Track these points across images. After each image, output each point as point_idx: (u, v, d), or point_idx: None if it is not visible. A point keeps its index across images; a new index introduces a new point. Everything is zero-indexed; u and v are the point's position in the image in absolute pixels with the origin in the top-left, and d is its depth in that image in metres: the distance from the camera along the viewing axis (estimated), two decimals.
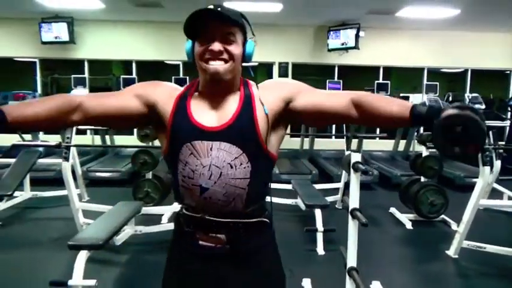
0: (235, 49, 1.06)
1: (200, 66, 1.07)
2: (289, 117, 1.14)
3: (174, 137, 1.07)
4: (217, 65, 1.04)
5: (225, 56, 1.04)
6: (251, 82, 1.16)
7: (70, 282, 2.39)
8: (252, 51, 1.10)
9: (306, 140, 7.40)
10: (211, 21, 1.03)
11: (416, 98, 7.71)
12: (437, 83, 7.05)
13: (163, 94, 1.11)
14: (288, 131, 6.26)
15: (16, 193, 4.19)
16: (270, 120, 1.08)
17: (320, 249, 3.42)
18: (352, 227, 2.41)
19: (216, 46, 1.03)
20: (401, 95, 8.77)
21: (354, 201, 2.41)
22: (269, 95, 1.11)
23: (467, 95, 7.13)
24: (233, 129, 1.05)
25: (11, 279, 2.88)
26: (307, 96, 1.12)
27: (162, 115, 1.10)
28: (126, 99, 1.10)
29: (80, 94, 1.10)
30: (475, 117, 0.87)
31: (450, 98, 7.89)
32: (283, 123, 1.15)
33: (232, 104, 1.09)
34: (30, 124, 1.02)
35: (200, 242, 1.11)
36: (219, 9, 1.03)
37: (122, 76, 7.18)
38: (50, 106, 1.03)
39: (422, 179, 4.28)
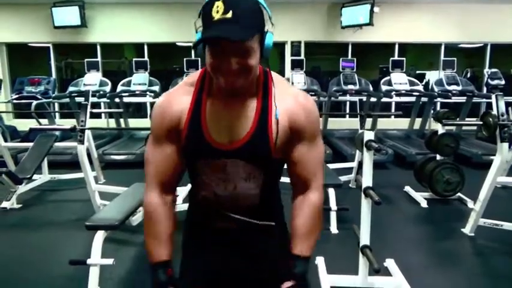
0: (253, 60, 0.95)
1: (213, 76, 1.00)
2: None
3: (189, 153, 1.08)
4: (232, 82, 0.96)
5: (242, 70, 0.95)
6: (274, 76, 1.09)
7: (89, 261, 2.46)
8: (271, 44, 0.99)
9: (320, 119, 7.33)
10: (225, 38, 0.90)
11: (433, 75, 7.55)
12: (455, 59, 6.85)
13: (175, 108, 1.07)
14: None
15: (35, 176, 4.28)
16: (280, 129, 1.05)
17: (333, 228, 3.43)
18: (365, 205, 2.41)
19: (231, 66, 0.93)
20: (417, 72, 8.60)
21: (367, 180, 2.39)
22: (287, 115, 1.06)
23: (486, 71, 6.93)
24: (248, 147, 1.04)
25: (32, 259, 2.97)
26: (302, 148, 1.09)
27: (179, 127, 1.07)
28: (164, 148, 1.09)
29: (148, 185, 1.13)
30: None
31: (468, 74, 7.69)
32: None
33: (249, 111, 1.04)
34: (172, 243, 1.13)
35: (211, 224, 1.14)
36: (230, 17, 0.88)
37: (134, 59, 7.19)
38: (162, 219, 1.11)
39: (438, 157, 4.21)
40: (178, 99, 1.07)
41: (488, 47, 8.22)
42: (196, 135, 1.04)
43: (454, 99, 6.67)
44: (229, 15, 0.88)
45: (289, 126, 1.05)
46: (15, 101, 6.66)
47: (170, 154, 1.09)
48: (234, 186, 1.06)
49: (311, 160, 1.10)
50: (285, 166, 1.16)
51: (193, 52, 7.95)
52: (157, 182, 1.10)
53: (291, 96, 1.07)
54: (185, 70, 6.87)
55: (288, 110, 1.05)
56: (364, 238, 2.43)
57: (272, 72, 1.10)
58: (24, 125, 6.35)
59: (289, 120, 1.05)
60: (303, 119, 1.06)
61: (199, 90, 1.07)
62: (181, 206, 3.67)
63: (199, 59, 6.97)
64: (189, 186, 1.17)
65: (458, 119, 5.81)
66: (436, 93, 6.55)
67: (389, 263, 2.71)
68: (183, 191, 3.95)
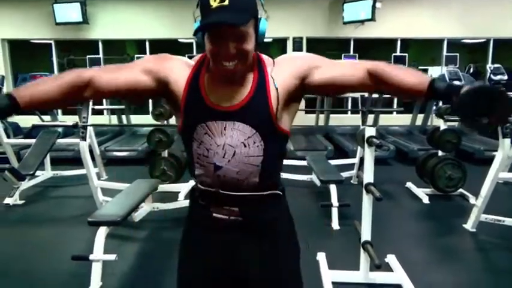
0: (249, 44, 1.00)
1: (211, 62, 1.04)
2: (304, 92, 1.12)
3: (188, 118, 1.07)
4: (230, 66, 1.00)
5: (238, 55, 1.00)
6: (265, 57, 1.13)
7: (91, 257, 2.48)
8: (265, 30, 1.05)
9: (321, 116, 7.33)
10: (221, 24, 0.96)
11: (435, 71, 7.51)
12: (457, 54, 6.83)
13: (175, 70, 1.09)
14: (303, 107, 6.20)
15: (38, 172, 4.30)
16: (281, 97, 1.06)
17: (335, 224, 3.44)
18: (367, 201, 2.41)
19: (229, 50, 0.98)
20: (419, 67, 8.57)
21: (368, 176, 2.40)
22: (283, 72, 1.08)
23: (489, 66, 6.90)
24: (247, 109, 1.04)
25: (35, 254, 3.00)
26: (323, 71, 1.09)
27: (175, 93, 1.08)
28: (136, 74, 1.08)
29: (90, 69, 1.09)
30: (501, 89, 0.91)
31: (471, 70, 7.65)
32: (297, 99, 1.13)
33: (246, 82, 1.07)
34: (42, 104, 1.03)
35: (214, 215, 1.12)
36: (226, 4, 0.94)
37: (136, 55, 7.19)
38: (60, 84, 1.03)
39: (440, 153, 4.20)
40: (181, 66, 1.11)
41: (491, 42, 8.18)
42: (196, 99, 1.06)
43: None
44: (226, 2, 0.94)
45: (294, 86, 1.08)
46: None
47: (130, 81, 1.07)
48: (233, 152, 1.05)
49: (338, 67, 1.11)
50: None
51: (195, 48, 7.96)
52: (99, 76, 1.06)
53: (282, 59, 1.12)
54: None
55: (286, 70, 1.08)
56: (366, 234, 2.43)
57: (262, 55, 1.14)
58: (26, 121, 6.35)
59: (292, 76, 1.08)
60: (302, 65, 1.09)
61: (199, 66, 1.11)
62: (183, 203, 3.70)
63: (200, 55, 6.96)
64: (191, 182, 1.16)
65: None
66: None
67: (391, 259, 2.72)
68: (184, 188, 3.96)
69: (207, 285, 1.16)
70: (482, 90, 0.92)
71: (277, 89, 1.06)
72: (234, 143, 1.05)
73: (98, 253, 2.49)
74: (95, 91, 1.06)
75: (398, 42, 8.14)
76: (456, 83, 1.02)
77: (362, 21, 7.33)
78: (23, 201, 4.12)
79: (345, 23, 7.56)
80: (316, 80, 1.09)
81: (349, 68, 1.11)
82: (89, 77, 1.05)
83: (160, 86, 1.09)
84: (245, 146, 1.05)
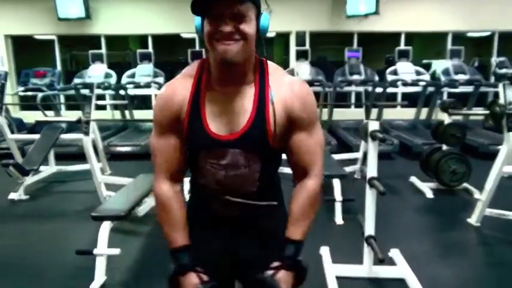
0: (248, 27, 0.99)
1: (210, 47, 1.02)
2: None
3: (191, 144, 1.10)
4: (228, 46, 0.98)
5: (237, 36, 0.98)
6: (268, 64, 1.11)
7: (95, 251, 2.49)
8: (267, 26, 1.04)
9: (325, 110, 7.30)
10: None
11: (439, 64, 7.45)
12: (462, 48, 6.76)
13: (174, 105, 1.08)
14: None
15: (42, 167, 4.33)
16: (278, 122, 1.06)
17: (338, 219, 3.43)
18: (370, 196, 2.41)
19: (227, 27, 0.97)
20: (424, 61, 8.51)
21: (371, 170, 2.39)
22: (283, 105, 1.07)
23: (494, 59, 6.83)
24: (247, 138, 1.06)
25: (40, 249, 3.02)
26: (302, 137, 1.10)
27: (180, 117, 1.09)
28: (168, 142, 1.11)
29: (159, 176, 1.14)
30: None
31: (476, 63, 7.59)
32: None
33: (246, 103, 1.06)
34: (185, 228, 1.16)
35: (213, 208, 1.16)
36: None
37: (138, 50, 7.18)
38: (178, 204, 1.15)
39: (445, 147, 4.18)
40: (179, 89, 1.09)
41: (496, 35, 8.09)
42: (197, 127, 1.07)
43: (461, 89, 6.59)
44: None
45: (285, 116, 1.07)
46: (21, 93, 6.69)
47: (175, 144, 1.11)
48: (233, 174, 1.08)
49: (309, 148, 1.11)
50: (284, 156, 1.18)
51: (197, 43, 7.94)
52: (165, 172, 1.13)
53: (286, 85, 1.08)
54: (189, 61, 6.84)
55: (284, 99, 1.07)
56: (369, 228, 2.43)
57: (268, 62, 1.12)
58: (30, 117, 6.39)
59: (285, 110, 1.07)
60: (299, 108, 1.07)
61: (198, 81, 1.09)
62: (186, 197, 3.70)
63: (203, 49, 6.95)
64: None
65: (465, 108, 5.77)
66: (442, 83, 6.48)
67: (394, 253, 2.71)
68: (188, 183, 3.97)
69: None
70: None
71: (274, 109, 1.06)
72: (234, 165, 1.08)
73: (102, 247, 2.50)
74: (180, 174, 1.16)
75: (403, 36, 8.08)
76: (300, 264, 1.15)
77: (366, 15, 7.27)
78: (27, 196, 4.15)
79: (348, 17, 7.50)
80: (291, 138, 1.10)
81: (308, 154, 1.12)
82: (171, 180, 1.14)
83: (179, 121, 1.09)
84: (245, 167, 1.08)
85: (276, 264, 1.11)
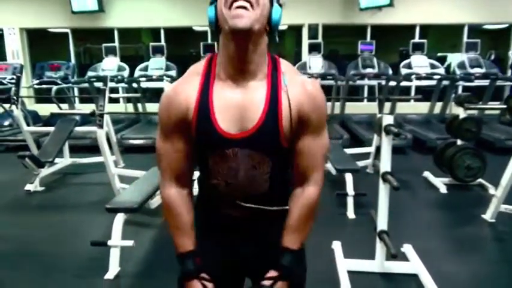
0: None
1: (223, 17, 0.96)
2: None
3: (200, 143, 1.06)
4: (243, 10, 0.93)
5: (251, 1, 0.94)
6: (281, 61, 1.08)
7: (109, 243, 2.53)
8: (279, 18, 1.00)
9: (337, 104, 7.25)
10: None
11: (454, 57, 7.32)
12: (479, 41, 6.62)
13: (181, 106, 1.04)
14: None
15: (57, 160, 4.39)
16: (292, 119, 1.03)
17: (350, 213, 3.42)
18: (383, 191, 2.39)
19: None
20: (438, 54, 8.36)
21: (385, 165, 2.37)
22: (294, 103, 1.04)
23: (511, 53, 6.68)
24: (258, 136, 1.02)
25: (55, 239, 3.08)
26: (308, 139, 1.07)
27: (188, 119, 1.05)
28: (176, 144, 1.07)
29: (166, 178, 1.12)
30: None
31: (492, 56, 7.43)
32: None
33: (257, 99, 1.02)
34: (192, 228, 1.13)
35: (222, 211, 1.13)
36: None
37: (151, 44, 7.21)
38: (186, 208, 1.12)
39: (459, 142, 4.12)
40: (185, 89, 1.05)
41: None
42: (206, 126, 1.03)
43: (477, 83, 6.47)
44: None
45: (297, 115, 1.04)
46: (36, 86, 6.79)
47: (181, 147, 1.07)
48: (243, 174, 1.05)
49: (314, 152, 1.08)
50: None
51: (209, 37, 7.93)
52: (172, 176, 1.10)
53: (298, 84, 1.06)
54: (202, 54, 6.85)
55: (295, 98, 1.03)
56: (382, 223, 2.41)
57: (280, 59, 1.09)
58: (45, 109, 6.47)
59: (296, 108, 1.03)
60: (309, 108, 1.04)
61: (206, 78, 1.05)
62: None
63: (215, 43, 6.94)
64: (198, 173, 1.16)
65: (480, 102, 5.66)
66: (458, 76, 6.36)
67: (407, 248, 2.69)
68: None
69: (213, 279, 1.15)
70: None
71: (290, 108, 1.02)
72: (244, 166, 1.05)
73: (116, 239, 2.54)
74: (187, 177, 1.13)
75: (417, 29, 7.94)
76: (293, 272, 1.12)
77: (380, 7, 7.16)
78: (43, 188, 4.22)
79: (361, 9, 7.40)
80: (299, 141, 1.07)
81: (311, 159, 1.09)
82: (177, 184, 1.11)
83: (186, 123, 1.05)
84: (255, 168, 1.05)
85: (272, 273, 1.08)
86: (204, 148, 1.06)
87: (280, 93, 1.03)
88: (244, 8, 0.94)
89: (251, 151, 1.03)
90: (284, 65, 1.08)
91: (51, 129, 4.52)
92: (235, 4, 0.94)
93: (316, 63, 6.76)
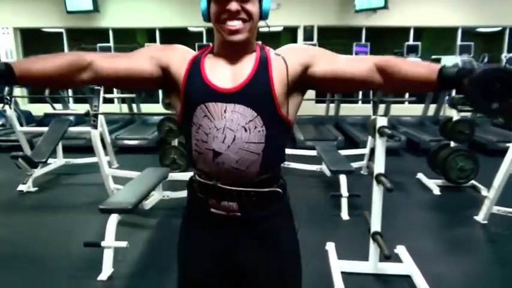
0: (253, 7, 1.02)
1: (217, 27, 1.04)
2: (307, 83, 1.09)
3: (188, 99, 1.05)
4: (235, 25, 1.00)
5: (243, 15, 1.01)
6: (267, 47, 1.12)
7: (103, 243, 2.52)
8: (268, 8, 1.06)
9: (332, 105, 7.27)
10: None
11: (449, 60, 7.36)
12: (472, 43, 6.68)
13: (177, 57, 1.08)
14: (313, 96, 6.12)
15: (50, 160, 4.36)
16: (284, 79, 1.04)
17: (344, 215, 3.43)
18: (377, 192, 2.40)
19: (233, 6, 0.99)
20: (432, 57, 8.42)
21: (379, 166, 2.38)
22: (287, 57, 1.07)
23: (505, 55, 6.75)
24: (248, 90, 1.02)
25: (48, 240, 3.06)
26: (327, 63, 1.07)
27: (175, 78, 1.07)
28: (138, 61, 1.07)
29: (92, 52, 1.07)
30: None
31: (486, 59, 7.48)
32: (300, 89, 1.11)
33: (247, 64, 1.06)
34: (38, 79, 0.99)
35: (212, 210, 1.10)
36: None
37: (146, 44, 7.19)
38: (59, 63, 1.00)
39: (452, 144, 4.15)
40: (182, 52, 1.11)
41: (507, 31, 7.98)
42: (196, 80, 1.05)
43: None
44: None
45: (297, 73, 1.06)
46: None
47: (131, 67, 1.06)
48: (233, 137, 1.02)
49: (344, 60, 1.08)
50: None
51: (205, 37, 7.92)
52: (100, 60, 1.04)
53: (284, 49, 1.11)
54: None
55: (290, 55, 1.07)
56: (375, 224, 2.43)
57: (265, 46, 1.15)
58: (39, 110, 6.43)
59: (295, 62, 1.06)
60: (303, 54, 1.08)
61: (201, 52, 1.11)
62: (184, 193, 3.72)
63: (210, 43, 6.93)
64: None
65: None
66: None
67: (400, 250, 2.71)
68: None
69: (204, 280, 1.15)
70: (496, 73, 0.86)
71: (287, 67, 1.05)
72: (234, 126, 1.02)
73: (110, 240, 2.53)
74: (94, 74, 1.04)
75: (412, 31, 8.00)
76: (469, 67, 0.96)
77: (374, 9, 7.20)
78: (36, 188, 4.19)
79: (356, 11, 7.43)
80: (320, 71, 1.06)
81: (355, 61, 1.08)
82: (89, 60, 1.03)
83: (162, 72, 1.08)
84: (246, 130, 1.02)
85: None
86: (192, 102, 1.05)
87: (269, 55, 1.08)
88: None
89: (241, 106, 1.02)
90: (268, 48, 1.13)
91: (44, 129, 4.49)
92: (229, 24, 1.01)
93: None
